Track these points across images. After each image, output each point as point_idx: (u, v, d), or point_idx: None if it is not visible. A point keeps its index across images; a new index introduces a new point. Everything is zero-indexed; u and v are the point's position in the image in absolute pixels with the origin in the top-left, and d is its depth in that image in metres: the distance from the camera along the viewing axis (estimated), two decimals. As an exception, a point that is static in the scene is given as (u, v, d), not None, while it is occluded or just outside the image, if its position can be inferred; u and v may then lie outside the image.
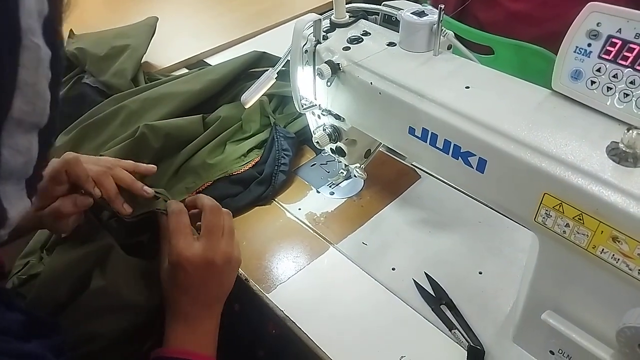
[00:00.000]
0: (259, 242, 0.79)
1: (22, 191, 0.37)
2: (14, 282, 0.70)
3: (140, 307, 0.64)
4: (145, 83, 1.04)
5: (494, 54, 1.15)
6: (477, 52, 1.15)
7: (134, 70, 1.04)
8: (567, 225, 0.46)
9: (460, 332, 0.64)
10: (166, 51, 1.23)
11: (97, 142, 0.89)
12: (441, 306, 0.68)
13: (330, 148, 0.77)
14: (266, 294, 0.71)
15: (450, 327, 0.65)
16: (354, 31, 0.65)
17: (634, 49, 0.43)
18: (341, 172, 0.85)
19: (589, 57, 0.46)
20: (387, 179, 0.88)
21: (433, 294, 0.69)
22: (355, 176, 0.84)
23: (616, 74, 0.45)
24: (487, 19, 1.17)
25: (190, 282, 0.61)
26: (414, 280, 0.71)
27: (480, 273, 0.72)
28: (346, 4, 0.67)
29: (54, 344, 0.43)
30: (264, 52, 1.05)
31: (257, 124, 0.93)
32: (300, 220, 0.82)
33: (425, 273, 0.72)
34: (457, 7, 1.19)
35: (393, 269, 0.73)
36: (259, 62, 1.04)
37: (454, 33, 0.61)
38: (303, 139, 0.94)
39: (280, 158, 0.86)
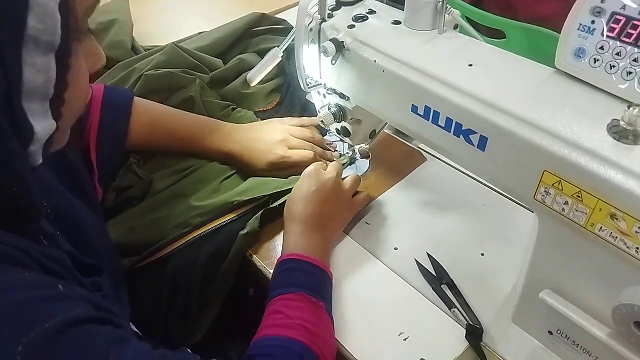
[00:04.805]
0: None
1: (46, 112, 0.41)
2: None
3: None
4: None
5: (505, 37, 1.13)
6: (490, 36, 1.14)
7: (130, 41, 1.04)
8: (566, 202, 0.46)
9: (460, 311, 0.65)
10: (174, 30, 1.22)
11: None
12: (442, 286, 0.68)
13: (335, 128, 0.78)
14: (270, 270, 0.72)
15: (450, 306, 0.66)
16: (360, 9, 0.65)
17: (638, 26, 0.43)
18: (347, 153, 0.86)
19: (592, 34, 0.46)
20: (393, 160, 0.88)
21: (434, 274, 0.70)
22: (360, 157, 0.85)
23: (619, 51, 0.45)
24: None
25: (302, 185, 0.72)
26: (416, 260, 0.71)
27: (482, 254, 0.72)
28: (353, -18, 0.67)
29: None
30: (263, 13, 1.06)
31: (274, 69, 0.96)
32: (305, 200, 0.82)
33: (427, 253, 0.72)
34: None
35: (395, 248, 0.74)
36: (259, 22, 1.05)
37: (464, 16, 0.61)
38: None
39: (294, 100, 0.96)
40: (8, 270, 0.37)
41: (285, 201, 0.74)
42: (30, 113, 0.39)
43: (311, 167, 0.74)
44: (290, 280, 0.62)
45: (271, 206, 0.76)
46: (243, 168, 0.83)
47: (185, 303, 0.72)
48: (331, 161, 0.81)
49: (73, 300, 0.39)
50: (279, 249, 0.75)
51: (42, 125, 0.41)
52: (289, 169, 0.81)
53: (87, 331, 0.38)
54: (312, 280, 0.64)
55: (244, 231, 0.73)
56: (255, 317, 0.70)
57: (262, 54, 0.99)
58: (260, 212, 0.75)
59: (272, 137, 0.82)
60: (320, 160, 0.81)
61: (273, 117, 0.92)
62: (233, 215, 0.75)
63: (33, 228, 0.44)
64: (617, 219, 0.43)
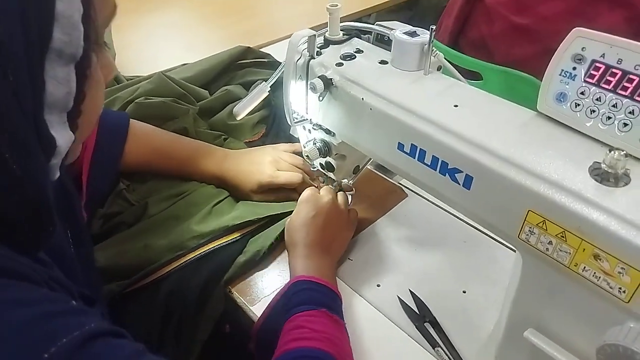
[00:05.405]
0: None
1: (64, 124, 0.41)
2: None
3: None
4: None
5: (482, 79, 1.17)
6: (467, 77, 1.17)
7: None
8: (550, 242, 0.47)
9: (443, 350, 0.64)
10: (157, 61, 1.22)
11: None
12: (425, 324, 0.68)
13: (320, 163, 0.78)
14: (250, 307, 0.70)
15: (434, 344, 0.65)
16: (347, 48, 0.67)
17: (616, 73, 0.45)
18: (331, 187, 0.86)
19: (573, 80, 0.48)
20: (375, 196, 0.89)
21: (417, 312, 0.69)
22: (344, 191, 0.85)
23: (599, 97, 0.46)
24: (488, 32, 1.19)
25: (300, 211, 0.74)
26: (399, 297, 0.71)
27: (464, 292, 0.73)
28: (340, 22, 0.68)
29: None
30: (249, 46, 1.08)
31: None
32: (287, 235, 0.82)
33: (410, 290, 0.72)
34: (454, 33, 1.21)
35: (378, 285, 0.74)
36: (244, 56, 1.06)
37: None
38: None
39: (280, 132, 0.97)
40: (27, 287, 0.37)
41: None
42: (51, 126, 0.39)
43: (307, 192, 0.75)
44: (311, 298, 0.63)
45: (274, 240, 0.76)
46: (233, 191, 0.83)
47: (178, 327, 0.70)
48: None
49: (88, 315, 0.38)
50: (260, 284, 0.74)
51: (63, 137, 0.40)
52: (277, 191, 0.82)
53: (107, 344, 0.37)
54: (330, 301, 0.64)
55: (243, 258, 0.73)
56: (232, 352, 0.68)
57: (247, 86, 1.00)
58: (268, 245, 0.75)
59: (262, 159, 0.83)
60: (312, 185, 0.81)
61: None
62: (232, 237, 0.75)
63: (45, 245, 0.42)
64: (600, 259, 0.44)
